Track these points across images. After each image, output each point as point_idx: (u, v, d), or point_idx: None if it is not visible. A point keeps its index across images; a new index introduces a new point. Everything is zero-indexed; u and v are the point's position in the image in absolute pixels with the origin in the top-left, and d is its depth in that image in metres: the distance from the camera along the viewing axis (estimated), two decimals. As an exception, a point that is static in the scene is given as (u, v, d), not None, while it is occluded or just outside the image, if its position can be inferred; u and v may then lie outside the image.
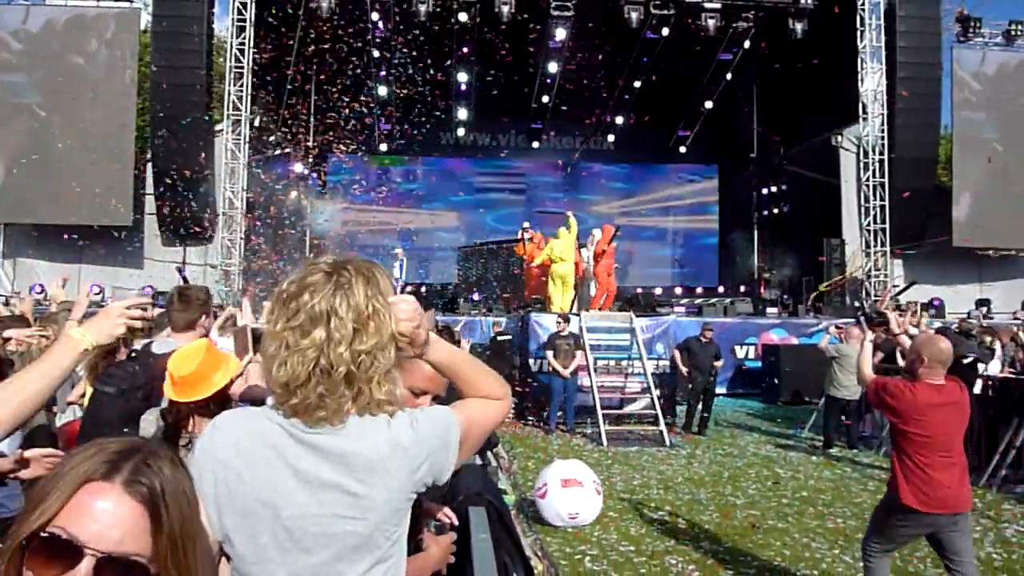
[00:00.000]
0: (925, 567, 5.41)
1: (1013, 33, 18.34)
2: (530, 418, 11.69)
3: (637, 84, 21.22)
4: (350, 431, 1.36)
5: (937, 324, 13.27)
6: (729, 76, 20.63)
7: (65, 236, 16.34)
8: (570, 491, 6.09)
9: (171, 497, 0.94)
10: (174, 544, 0.93)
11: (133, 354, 4.25)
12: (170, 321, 3.48)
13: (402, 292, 1.60)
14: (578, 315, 11.97)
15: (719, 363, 11.32)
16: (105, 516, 0.89)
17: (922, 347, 4.05)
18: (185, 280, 15.77)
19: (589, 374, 10.85)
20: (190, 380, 2.38)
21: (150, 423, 2.51)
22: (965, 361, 7.65)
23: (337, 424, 1.36)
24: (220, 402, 2.44)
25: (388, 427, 1.39)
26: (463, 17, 17.53)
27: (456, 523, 1.97)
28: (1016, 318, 16.50)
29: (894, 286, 17.10)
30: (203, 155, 16.07)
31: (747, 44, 19.02)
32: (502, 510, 2.40)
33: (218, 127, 16.84)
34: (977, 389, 8.54)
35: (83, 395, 5.06)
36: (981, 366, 8.53)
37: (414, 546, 1.70)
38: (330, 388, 1.34)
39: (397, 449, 1.37)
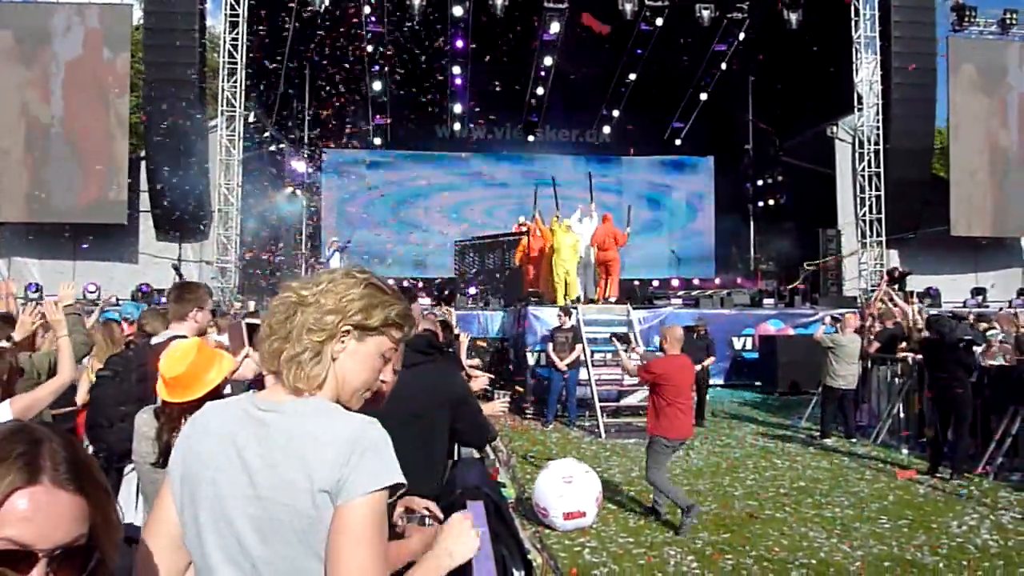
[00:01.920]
0: (923, 554, 5.44)
1: (1008, 21, 18.33)
2: (529, 411, 11.70)
3: (632, 76, 21.19)
4: (294, 410, 1.38)
5: (934, 311, 13.31)
6: (724, 67, 20.61)
7: (59, 233, 16.29)
8: (573, 522, 6.06)
9: (85, 469, 0.96)
10: (102, 510, 0.97)
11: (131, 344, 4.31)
12: (168, 313, 3.61)
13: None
14: (576, 308, 11.98)
15: (710, 360, 11.18)
16: (44, 517, 0.90)
17: (666, 334, 6.49)
18: (180, 277, 15.75)
19: (587, 367, 10.86)
20: (182, 380, 2.37)
21: (144, 422, 2.50)
22: (951, 340, 7.68)
23: (289, 402, 1.39)
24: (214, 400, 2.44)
25: (329, 422, 1.36)
26: (457, 11, 17.48)
27: (440, 517, 1.95)
28: (1011, 306, 16.55)
29: (889, 272, 17.08)
30: (197, 151, 16.02)
31: (742, 35, 18.98)
32: (500, 504, 2.40)
33: (212, 123, 16.78)
34: (973, 378, 8.60)
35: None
36: (977, 349, 8.57)
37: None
38: (275, 319, 1.42)
39: (319, 449, 1.33)
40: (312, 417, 1.37)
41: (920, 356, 8.73)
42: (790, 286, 17.82)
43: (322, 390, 1.42)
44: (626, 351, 7.44)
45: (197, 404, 2.42)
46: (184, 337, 3.13)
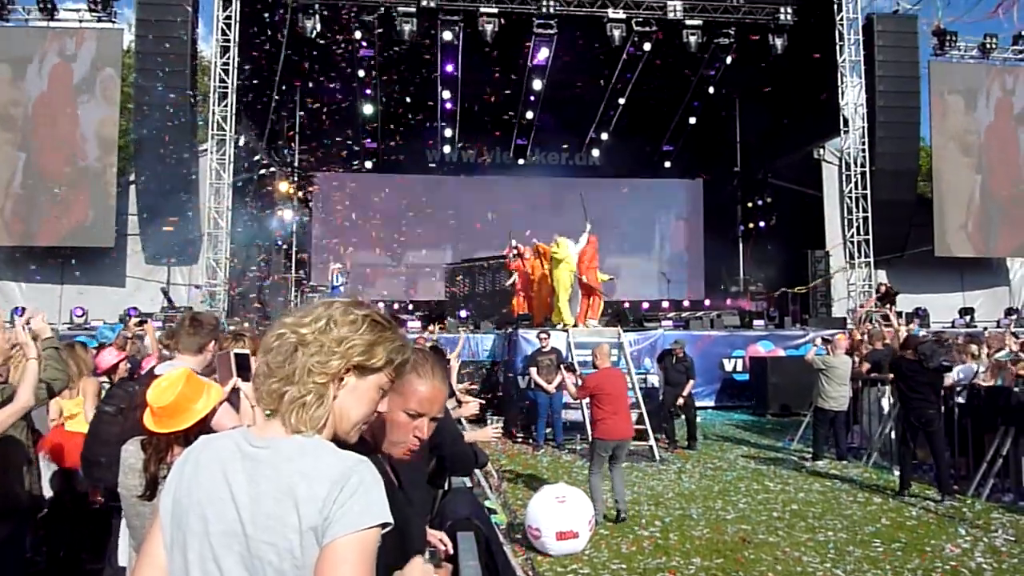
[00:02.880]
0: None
1: (988, 46, 18.67)
2: (519, 436, 11.64)
3: (621, 100, 21.35)
4: (287, 448, 1.36)
5: (924, 332, 13.39)
6: (712, 91, 20.80)
7: (45, 257, 16.19)
8: (566, 543, 6.02)
9: None
10: None
11: (134, 374, 4.23)
12: (179, 344, 3.49)
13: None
14: (566, 330, 11.96)
15: (690, 384, 11.07)
16: None
17: (595, 352, 7.59)
18: (169, 300, 15.66)
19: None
20: (169, 410, 2.34)
21: (131, 453, 2.46)
22: (932, 366, 7.79)
23: (282, 439, 1.37)
24: (201, 431, 2.40)
25: (320, 460, 1.35)
26: (447, 36, 17.61)
27: (451, 551, 1.94)
28: (999, 326, 16.66)
29: (877, 290, 17.18)
30: (187, 174, 16.01)
31: (729, 59, 19.20)
32: (490, 536, 2.38)
33: (202, 147, 16.78)
34: (961, 399, 8.65)
35: (61, 413, 5.03)
36: (951, 374, 8.60)
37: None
38: (274, 359, 1.40)
39: (309, 487, 1.32)
40: (305, 455, 1.35)
41: (891, 375, 8.82)
42: (776, 292, 17.97)
43: (322, 431, 1.41)
44: (571, 379, 7.91)
45: (185, 434, 2.39)
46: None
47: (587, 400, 7.62)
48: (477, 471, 5.93)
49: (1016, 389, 7.85)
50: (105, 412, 3.74)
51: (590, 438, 7.33)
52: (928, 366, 7.78)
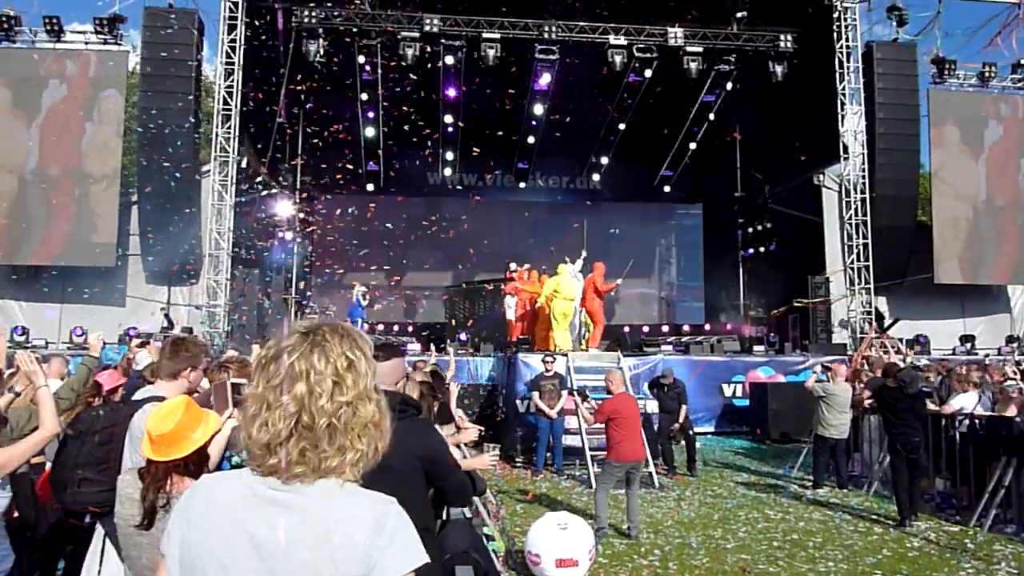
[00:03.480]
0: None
1: (987, 74, 18.83)
2: (518, 460, 11.56)
3: (622, 125, 21.50)
4: (314, 492, 1.34)
5: (924, 361, 13.39)
6: (712, 117, 20.95)
7: (45, 276, 16.20)
8: (565, 571, 5.95)
9: None
10: None
11: (105, 398, 4.20)
12: (158, 368, 3.46)
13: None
14: (565, 355, 11.93)
15: (684, 409, 10.98)
16: None
17: (609, 378, 7.88)
18: (169, 321, 15.64)
19: (578, 415, 10.77)
20: (168, 438, 2.32)
21: (128, 483, 2.44)
22: (911, 392, 8.02)
23: (307, 483, 1.35)
24: (199, 460, 2.39)
25: (352, 504, 1.34)
26: (449, 60, 17.78)
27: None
28: (1000, 353, 16.64)
29: (878, 321, 17.20)
30: (190, 195, 16.08)
31: (729, 86, 19.36)
32: (489, 569, 2.35)
33: (205, 168, 16.87)
34: (964, 428, 8.62)
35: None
36: (953, 403, 8.70)
37: None
38: (312, 442, 1.34)
39: (345, 533, 1.31)
40: (334, 498, 1.34)
41: (872, 401, 9.08)
42: (782, 309, 17.98)
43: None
44: (585, 404, 8.28)
45: (183, 463, 2.38)
46: (160, 399, 3.03)
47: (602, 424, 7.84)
48: (475, 498, 5.88)
49: (1018, 419, 7.81)
50: (68, 435, 3.69)
51: (606, 459, 7.64)
52: (908, 392, 8.01)
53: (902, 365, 10.09)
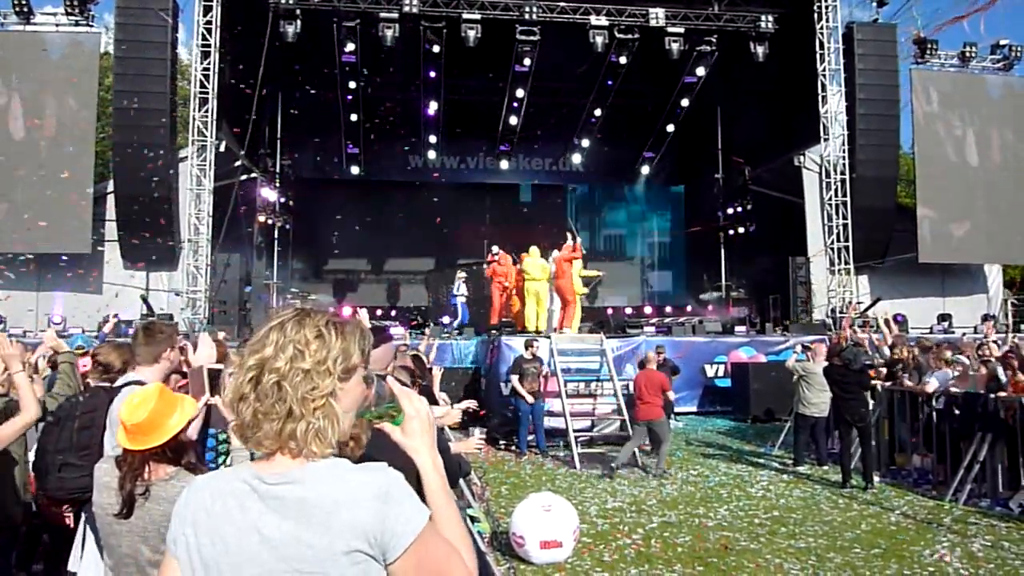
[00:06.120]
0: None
1: (967, 55, 18.96)
2: (502, 443, 11.61)
3: (603, 107, 21.45)
4: (307, 478, 1.35)
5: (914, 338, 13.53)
6: (693, 98, 20.95)
7: (20, 263, 15.94)
8: (549, 552, 6.00)
9: None
10: None
11: (85, 384, 4.18)
12: (135, 356, 3.44)
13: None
14: (548, 337, 11.95)
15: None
16: None
17: (645, 356, 10.34)
18: (149, 307, 15.48)
19: (561, 397, 10.82)
20: (143, 427, 2.29)
21: (105, 471, 2.41)
22: (856, 367, 8.69)
23: (286, 463, 1.37)
24: (176, 447, 2.36)
25: (349, 483, 1.36)
26: (430, 42, 17.59)
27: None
28: (976, 331, 16.86)
29: (859, 303, 17.38)
30: (167, 181, 15.85)
31: (710, 67, 19.34)
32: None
33: (182, 152, 16.63)
34: (940, 404, 8.75)
35: None
36: (931, 381, 8.92)
37: None
38: (262, 403, 1.37)
39: (349, 512, 1.33)
40: (329, 481, 1.35)
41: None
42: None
43: (331, 446, 1.41)
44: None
45: (160, 450, 2.35)
46: (141, 383, 3.01)
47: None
48: (460, 480, 5.89)
49: (992, 396, 7.94)
50: (48, 421, 3.75)
51: (634, 419, 9.87)
52: (853, 368, 8.70)
53: (890, 341, 10.48)
